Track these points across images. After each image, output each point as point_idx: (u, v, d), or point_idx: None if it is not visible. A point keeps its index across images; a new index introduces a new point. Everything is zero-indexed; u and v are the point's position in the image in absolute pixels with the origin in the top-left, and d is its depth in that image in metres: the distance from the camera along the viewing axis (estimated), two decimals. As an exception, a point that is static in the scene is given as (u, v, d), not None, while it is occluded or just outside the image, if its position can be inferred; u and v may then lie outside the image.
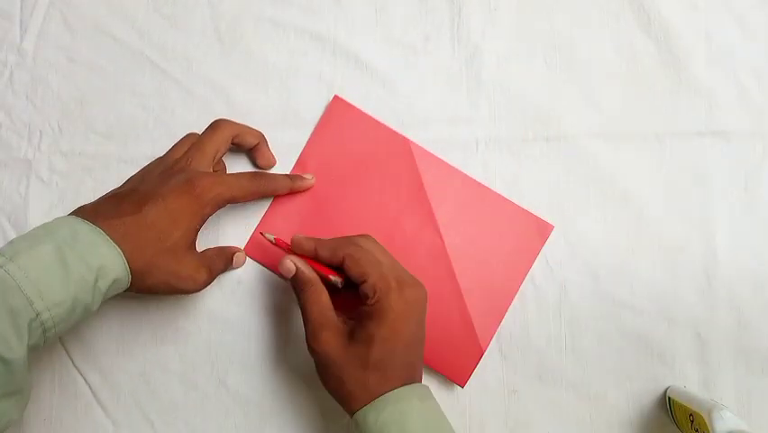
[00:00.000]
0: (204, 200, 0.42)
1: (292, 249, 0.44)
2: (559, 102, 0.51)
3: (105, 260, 0.38)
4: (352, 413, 0.40)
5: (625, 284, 0.50)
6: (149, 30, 0.52)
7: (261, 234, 0.46)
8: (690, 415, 0.44)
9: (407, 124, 0.51)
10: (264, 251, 0.50)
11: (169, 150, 0.49)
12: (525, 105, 0.51)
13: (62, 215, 0.49)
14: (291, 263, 0.43)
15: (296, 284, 0.43)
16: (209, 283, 0.45)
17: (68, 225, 0.39)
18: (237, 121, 0.49)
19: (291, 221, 0.50)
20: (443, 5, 0.52)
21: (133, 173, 0.49)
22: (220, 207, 0.44)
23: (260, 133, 0.50)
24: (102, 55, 0.52)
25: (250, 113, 0.51)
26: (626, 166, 0.51)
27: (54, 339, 0.38)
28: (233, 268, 0.49)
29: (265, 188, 0.46)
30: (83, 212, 0.41)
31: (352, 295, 0.42)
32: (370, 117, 0.51)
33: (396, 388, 0.39)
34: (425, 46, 0.52)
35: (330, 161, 0.51)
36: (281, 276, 0.49)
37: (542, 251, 0.50)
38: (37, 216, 0.50)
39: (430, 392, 0.41)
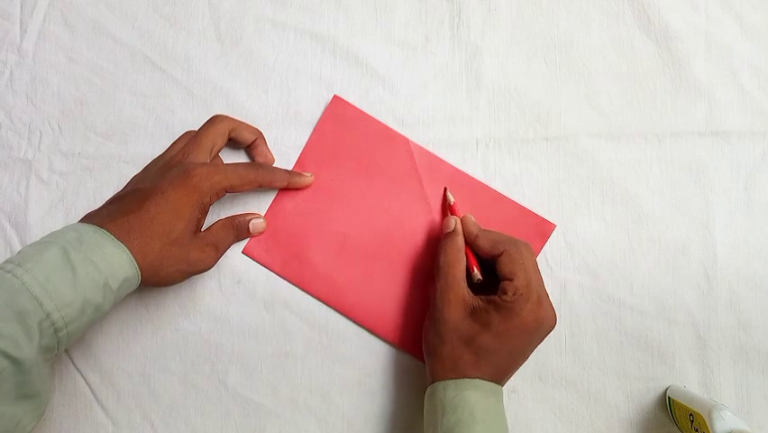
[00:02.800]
0: (202, 189, 0.43)
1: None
2: (559, 102, 0.51)
3: (112, 258, 0.39)
4: (433, 381, 0.42)
5: (625, 284, 0.50)
6: (149, 30, 0.52)
7: (445, 189, 0.49)
8: (690, 415, 0.44)
9: (407, 124, 0.51)
10: (264, 251, 0.50)
11: (168, 148, 0.49)
12: (525, 105, 0.51)
13: (62, 215, 0.50)
14: (453, 221, 0.46)
15: (444, 245, 0.45)
16: (219, 258, 0.46)
17: (74, 230, 0.40)
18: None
19: (290, 221, 0.50)
20: (443, 5, 0.52)
21: (133, 173, 0.49)
22: (219, 196, 0.44)
23: (258, 130, 0.50)
24: (102, 55, 0.52)
25: (249, 113, 0.51)
26: (626, 166, 0.51)
27: (68, 340, 0.38)
28: (252, 235, 0.49)
29: (263, 178, 0.46)
30: (88, 218, 0.42)
31: (489, 282, 0.45)
32: (370, 117, 0.51)
33: (483, 379, 0.41)
34: (425, 46, 0.52)
35: (330, 161, 0.50)
36: (283, 277, 0.50)
37: (542, 250, 0.50)
38: (37, 216, 0.50)
39: (503, 398, 0.43)
